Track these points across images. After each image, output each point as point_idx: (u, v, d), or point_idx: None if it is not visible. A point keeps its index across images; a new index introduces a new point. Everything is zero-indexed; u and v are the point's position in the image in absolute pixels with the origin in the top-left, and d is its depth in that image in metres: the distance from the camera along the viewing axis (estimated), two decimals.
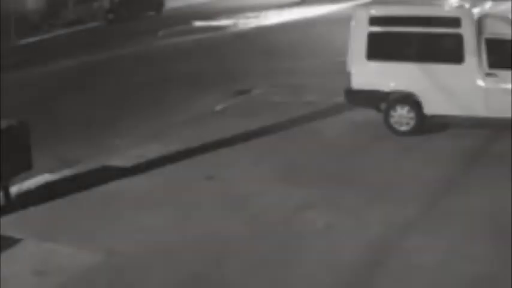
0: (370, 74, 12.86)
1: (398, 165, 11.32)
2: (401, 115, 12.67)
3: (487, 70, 11.98)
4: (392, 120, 12.74)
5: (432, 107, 12.46)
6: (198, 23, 31.49)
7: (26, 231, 9.58)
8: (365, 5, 14.14)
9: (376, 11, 13.08)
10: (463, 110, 12.20)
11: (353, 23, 13.10)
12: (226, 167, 11.73)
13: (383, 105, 12.93)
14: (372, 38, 12.80)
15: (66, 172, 12.03)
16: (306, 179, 10.98)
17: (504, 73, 11.87)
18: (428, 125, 12.66)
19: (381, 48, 12.79)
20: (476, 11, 12.26)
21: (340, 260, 8.28)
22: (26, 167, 10.83)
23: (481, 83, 12.01)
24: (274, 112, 14.79)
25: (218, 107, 15.82)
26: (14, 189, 10.98)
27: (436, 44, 12.56)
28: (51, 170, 12.00)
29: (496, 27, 12.06)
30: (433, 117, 12.57)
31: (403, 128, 12.68)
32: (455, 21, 12.20)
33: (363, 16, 12.98)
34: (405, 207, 9.61)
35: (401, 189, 10.28)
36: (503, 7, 12.67)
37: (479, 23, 12.08)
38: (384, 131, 12.72)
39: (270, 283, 7.97)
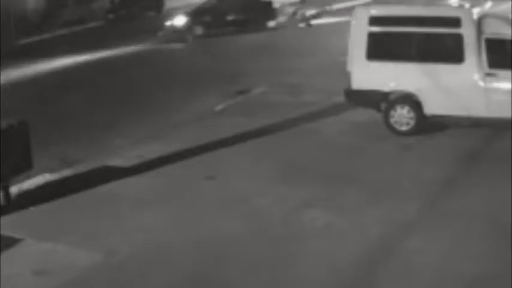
0: (370, 74, 12.86)
1: (398, 165, 11.33)
2: (401, 115, 12.67)
3: (487, 70, 11.98)
4: (392, 120, 12.75)
5: (432, 107, 12.47)
6: None
7: (26, 231, 9.58)
8: (365, 5, 14.14)
9: (376, 11, 13.09)
10: (463, 110, 12.20)
11: (353, 23, 13.11)
12: (226, 167, 11.73)
13: (383, 105, 12.93)
14: (372, 38, 12.80)
15: (66, 172, 12.03)
16: (305, 178, 10.99)
17: (504, 73, 11.88)
18: (428, 125, 12.66)
19: (380, 48, 12.80)
20: (476, 11, 12.26)
21: (339, 260, 8.28)
22: (26, 167, 10.83)
23: (481, 83, 12.01)
24: (274, 112, 14.79)
25: (218, 107, 15.83)
26: (14, 189, 10.98)
27: (436, 44, 12.56)
28: (51, 170, 12.00)
29: (496, 27, 12.06)
30: (433, 117, 12.57)
31: (403, 128, 12.69)
32: (455, 21, 12.20)
33: (363, 16, 12.98)
34: (405, 207, 9.62)
35: (401, 189, 10.29)
36: (503, 7, 12.67)
37: (479, 23, 12.08)
38: (384, 131, 12.73)
39: (270, 283, 7.97)
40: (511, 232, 8.59)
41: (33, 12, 36.09)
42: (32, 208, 10.48)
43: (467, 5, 12.58)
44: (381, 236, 8.87)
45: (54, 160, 12.46)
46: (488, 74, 11.98)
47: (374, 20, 12.89)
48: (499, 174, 10.51)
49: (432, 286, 7.70)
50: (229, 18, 28.80)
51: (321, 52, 21.33)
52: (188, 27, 28.06)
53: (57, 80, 22.41)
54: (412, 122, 12.61)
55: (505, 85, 11.88)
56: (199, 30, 28.05)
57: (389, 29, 12.80)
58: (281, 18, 29.71)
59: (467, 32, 12.07)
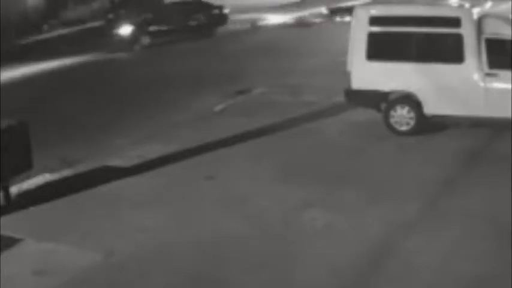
0: (370, 74, 12.86)
1: (398, 165, 11.33)
2: (401, 115, 12.67)
3: (487, 70, 11.99)
4: (392, 120, 12.75)
5: (432, 107, 12.47)
6: None
7: (26, 231, 9.59)
8: (365, 5, 14.13)
9: (376, 11, 13.08)
10: (463, 110, 12.21)
11: (353, 23, 13.11)
12: (226, 167, 11.73)
13: (383, 105, 12.94)
14: (372, 38, 12.80)
15: (66, 172, 12.03)
16: (305, 178, 10.98)
17: (504, 73, 11.88)
18: (428, 125, 12.66)
19: (381, 48, 12.79)
20: (476, 11, 12.26)
21: (339, 260, 8.28)
22: (26, 167, 10.83)
23: (481, 83, 12.01)
24: (274, 112, 14.79)
25: (218, 107, 15.83)
26: (14, 189, 10.98)
27: (436, 44, 12.56)
28: (51, 170, 12.00)
29: (496, 27, 12.07)
30: (433, 117, 12.57)
31: (403, 128, 12.69)
32: (455, 21, 12.21)
33: (363, 16, 12.98)
34: (405, 207, 9.61)
35: (401, 189, 10.29)
36: (503, 7, 12.70)
37: (479, 23, 12.08)
38: (384, 131, 12.73)
39: (270, 283, 7.97)
40: (511, 232, 8.59)
41: (33, 12, 36.10)
42: (32, 208, 10.48)
43: (467, 5, 12.58)
44: (381, 236, 8.86)
45: (54, 160, 12.46)
46: (488, 74, 11.98)
47: (374, 20, 12.89)
48: (499, 174, 10.50)
49: (432, 286, 7.70)
50: (178, 26, 28.12)
51: (321, 52, 21.34)
52: (135, 37, 27.47)
53: (57, 80, 22.42)
54: (412, 122, 12.62)
55: (505, 85, 11.88)
56: (146, 40, 27.50)
57: (389, 29, 12.79)
58: (232, 24, 29.16)
59: (467, 32, 12.07)
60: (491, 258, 8.11)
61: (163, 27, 27.84)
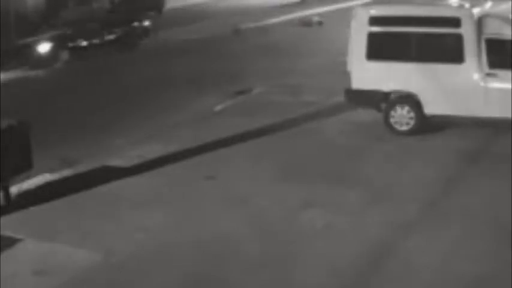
0: (370, 74, 12.87)
1: (398, 165, 11.33)
2: (402, 115, 12.68)
3: (487, 70, 11.99)
4: (392, 120, 12.76)
5: (432, 107, 12.47)
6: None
7: (26, 231, 9.59)
8: (365, 5, 14.14)
9: (376, 11, 13.09)
10: (463, 110, 12.21)
11: (353, 23, 13.11)
12: (226, 167, 11.73)
13: (383, 105, 12.94)
14: (372, 38, 12.81)
15: (66, 172, 12.03)
16: (305, 178, 10.99)
17: (504, 73, 11.88)
18: (428, 125, 12.66)
19: (380, 48, 12.80)
20: (476, 11, 12.26)
21: (339, 260, 8.28)
22: (26, 167, 10.83)
23: (481, 83, 12.01)
24: (274, 112, 14.79)
25: (218, 107, 15.83)
26: (14, 189, 10.98)
27: (436, 44, 12.56)
28: (51, 170, 12.00)
29: (496, 27, 12.07)
30: (433, 117, 12.58)
31: (403, 128, 12.69)
32: (455, 21, 12.21)
33: (363, 16, 12.98)
34: (405, 207, 9.62)
35: (401, 189, 10.30)
36: (503, 7, 12.67)
37: (479, 23, 12.08)
38: (384, 131, 12.73)
39: (270, 283, 7.97)
40: (511, 232, 8.59)
41: (33, 12, 36.08)
42: (32, 208, 10.48)
43: (467, 5, 12.58)
44: (380, 236, 8.87)
45: (54, 160, 12.45)
46: (488, 74, 11.98)
47: (374, 20, 12.90)
48: (499, 174, 10.51)
49: (432, 286, 7.70)
50: (96, 41, 27.49)
51: (321, 52, 21.34)
52: (54, 54, 26.53)
53: (57, 80, 22.40)
54: (412, 122, 12.62)
55: (505, 85, 11.88)
56: (65, 56, 26.81)
57: (389, 29, 12.80)
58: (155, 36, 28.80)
59: (467, 32, 12.07)
60: (491, 258, 8.11)
61: (82, 43, 27.52)
